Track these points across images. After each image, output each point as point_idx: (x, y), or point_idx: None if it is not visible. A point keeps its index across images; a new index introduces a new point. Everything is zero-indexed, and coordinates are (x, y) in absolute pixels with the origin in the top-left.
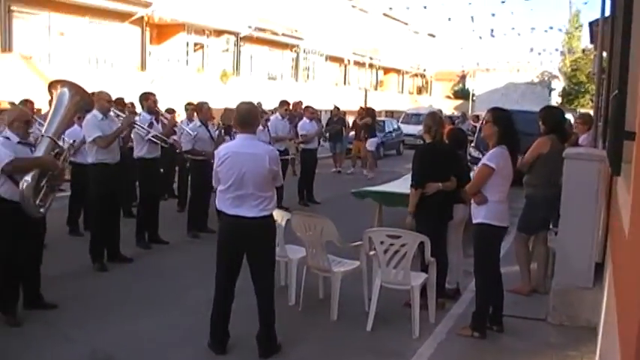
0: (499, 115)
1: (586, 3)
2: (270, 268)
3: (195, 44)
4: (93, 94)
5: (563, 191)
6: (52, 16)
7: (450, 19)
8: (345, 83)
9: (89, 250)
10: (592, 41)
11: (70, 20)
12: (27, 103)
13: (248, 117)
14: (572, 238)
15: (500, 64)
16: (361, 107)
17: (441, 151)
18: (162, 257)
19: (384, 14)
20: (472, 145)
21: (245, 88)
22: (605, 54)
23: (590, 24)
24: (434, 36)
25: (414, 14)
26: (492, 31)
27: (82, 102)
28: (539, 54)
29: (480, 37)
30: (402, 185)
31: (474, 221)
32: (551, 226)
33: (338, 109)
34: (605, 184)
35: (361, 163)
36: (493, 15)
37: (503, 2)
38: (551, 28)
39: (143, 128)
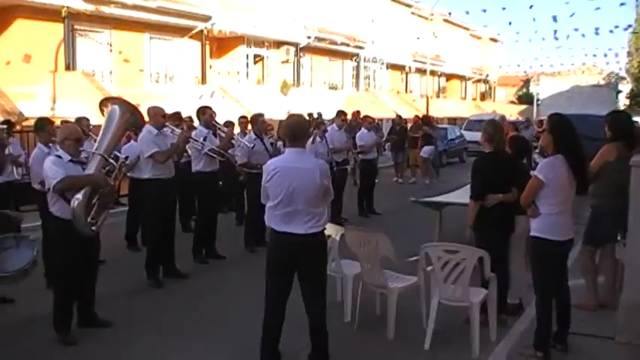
0: (554, 122)
1: None
2: (321, 287)
3: (256, 56)
4: (150, 109)
5: (631, 201)
6: (114, 34)
7: (510, 23)
8: (406, 91)
9: (145, 265)
10: None
11: (130, 37)
12: (82, 120)
13: (298, 130)
14: None
15: (564, 66)
16: (416, 116)
17: (502, 160)
18: (219, 273)
19: (445, 20)
20: (536, 151)
21: (306, 98)
22: None
23: None
24: (496, 40)
25: (475, 19)
26: (555, 32)
27: (133, 119)
28: (605, 55)
29: (543, 39)
30: (463, 195)
31: (530, 234)
32: (619, 238)
33: (400, 117)
34: None
35: (420, 172)
36: (554, 18)
37: (567, 3)
38: (616, 27)
39: (198, 142)
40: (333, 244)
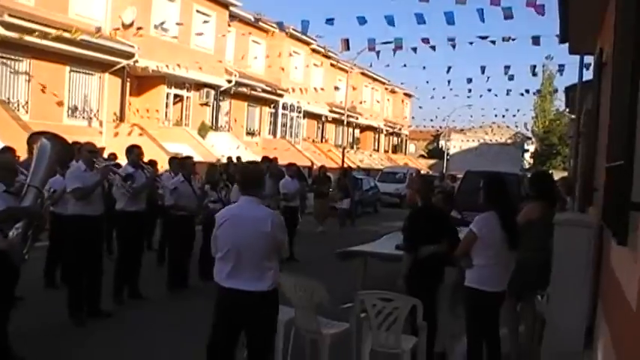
0: (488, 180)
1: (560, 71)
2: (267, 347)
3: (175, 96)
4: (75, 143)
5: (555, 256)
6: (33, 63)
7: (428, 82)
8: (322, 140)
9: (67, 304)
10: (567, 105)
11: (50, 68)
12: (9, 150)
13: (251, 178)
14: (563, 303)
15: (475, 124)
16: (322, 166)
17: (433, 213)
18: (142, 313)
19: (362, 73)
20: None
21: (224, 142)
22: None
23: (567, 89)
24: (410, 96)
25: (393, 74)
26: (470, 91)
27: (64, 151)
28: (514, 115)
29: (457, 96)
30: (386, 245)
31: (464, 284)
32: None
33: (324, 167)
34: (595, 250)
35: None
36: (469, 80)
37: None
38: (527, 91)
39: (119, 175)
40: None
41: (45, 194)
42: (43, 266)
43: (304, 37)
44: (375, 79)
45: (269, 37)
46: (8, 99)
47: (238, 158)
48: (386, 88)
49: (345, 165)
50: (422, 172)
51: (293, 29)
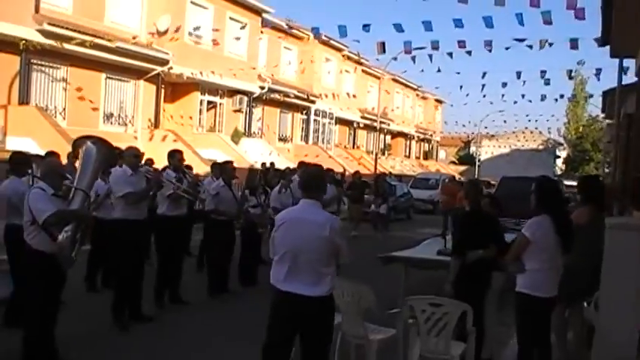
0: (540, 183)
1: (597, 75)
2: (324, 352)
3: (209, 103)
4: (119, 149)
5: (605, 261)
6: (70, 71)
7: (461, 87)
8: (353, 147)
9: (112, 308)
10: (604, 110)
11: (87, 75)
12: (54, 155)
13: (312, 181)
14: (613, 309)
15: (508, 129)
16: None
17: (482, 217)
18: (183, 317)
19: (393, 79)
20: None
21: (256, 148)
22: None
23: (605, 93)
24: (441, 102)
25: (426, 79)
26: (503, 96)
27: (109, 155)
28: (548, 120)
29: (492, 103)
30: (426, 251)
31: (516, 289)
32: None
33: (359, 172)
34: None
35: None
36: (504, 85)
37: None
38: (561, 96)
39: (173, 183)
40: None
41: (91, 197)
42: (84, 270)
43: (336, 44)
44: (406, 86)
45: (301, 43)
46: (46, 106)
47: (272, 164)
48: (417, 95)
49: (378, 171)
50: (456, 178)
51: (325, 35)
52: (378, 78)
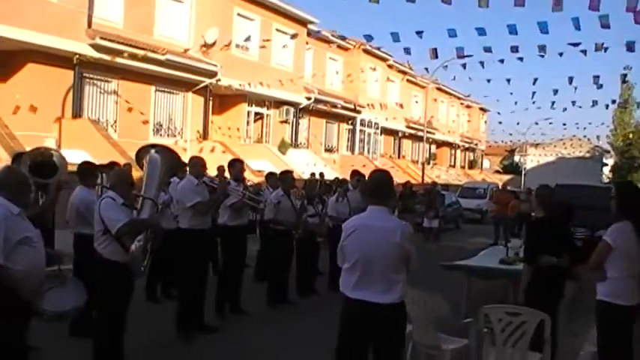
0: (621, 188)
1: None
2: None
3: (256, 114)
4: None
5: None
6: (121, 84)
7: (512, 93)
8: (399, 156)
9: (176, 318)
10: None
11: (137, 88)
12: (115, 165)
13: (379, 186)
14: None
15: (554, 137)
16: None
17: (555, 225)
18: (244, 328)
19: (437, 88)
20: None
21: (303, 158)
22: None
23: None
24: (485, 110)
25: (473, 86)
26: (553, 103)
27: (174, 163)
28: (597, 127)
29: (539, 108)
30: (486, 260)
31: (596, 298)
32: None
33: (409, 183)
34: None
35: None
36: (555, 92)
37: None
38: (613, 102)
39: (239, 192)
40: None
41: (159, 206)
42: (144, 280)
43: (380, 53)
44: (450, 95)
45: (346, 53)
46: (98, 118)
47: (321, 174)
48: (462, 104)
49: (425, 181)
50: (504, 187)
51: (370, 45)
52: (423, 87)
